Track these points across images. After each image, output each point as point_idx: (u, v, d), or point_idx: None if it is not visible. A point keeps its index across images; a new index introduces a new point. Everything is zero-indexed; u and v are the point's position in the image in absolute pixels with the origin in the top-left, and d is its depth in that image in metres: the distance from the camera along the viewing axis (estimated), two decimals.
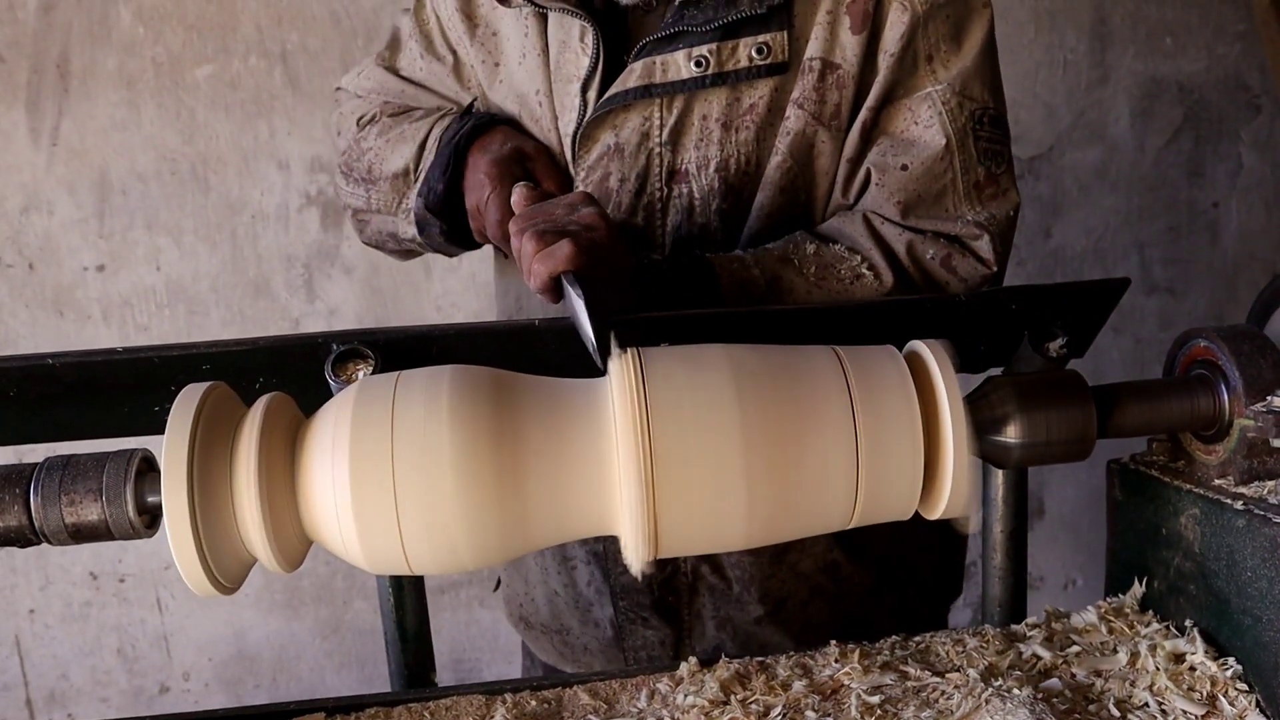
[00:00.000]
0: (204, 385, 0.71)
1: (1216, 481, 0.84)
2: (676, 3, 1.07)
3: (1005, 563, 0.98)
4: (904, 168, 1.06)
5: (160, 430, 0.68)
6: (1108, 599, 0.94)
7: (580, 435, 0.70)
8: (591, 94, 1.09)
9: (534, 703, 0.85)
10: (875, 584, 1.23)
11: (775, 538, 0.72)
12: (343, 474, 0.68)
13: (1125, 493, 0.94)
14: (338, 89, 1.33)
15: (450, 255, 1.24)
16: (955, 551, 1.36)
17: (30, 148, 2.08)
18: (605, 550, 1.21)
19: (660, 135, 1.08)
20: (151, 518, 0.73)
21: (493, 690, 0.86)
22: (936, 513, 0.74)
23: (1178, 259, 2.49)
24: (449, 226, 1.13)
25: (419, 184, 1.13)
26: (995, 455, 0.80)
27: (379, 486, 0.67)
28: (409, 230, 1.17)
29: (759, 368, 0.71)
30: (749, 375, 0.70)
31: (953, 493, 0.71)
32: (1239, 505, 0.80)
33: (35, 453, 0.80)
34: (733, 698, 0.82)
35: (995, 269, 1.08)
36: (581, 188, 1.12)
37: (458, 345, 0.87)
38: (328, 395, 0.78)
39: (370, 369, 0.83)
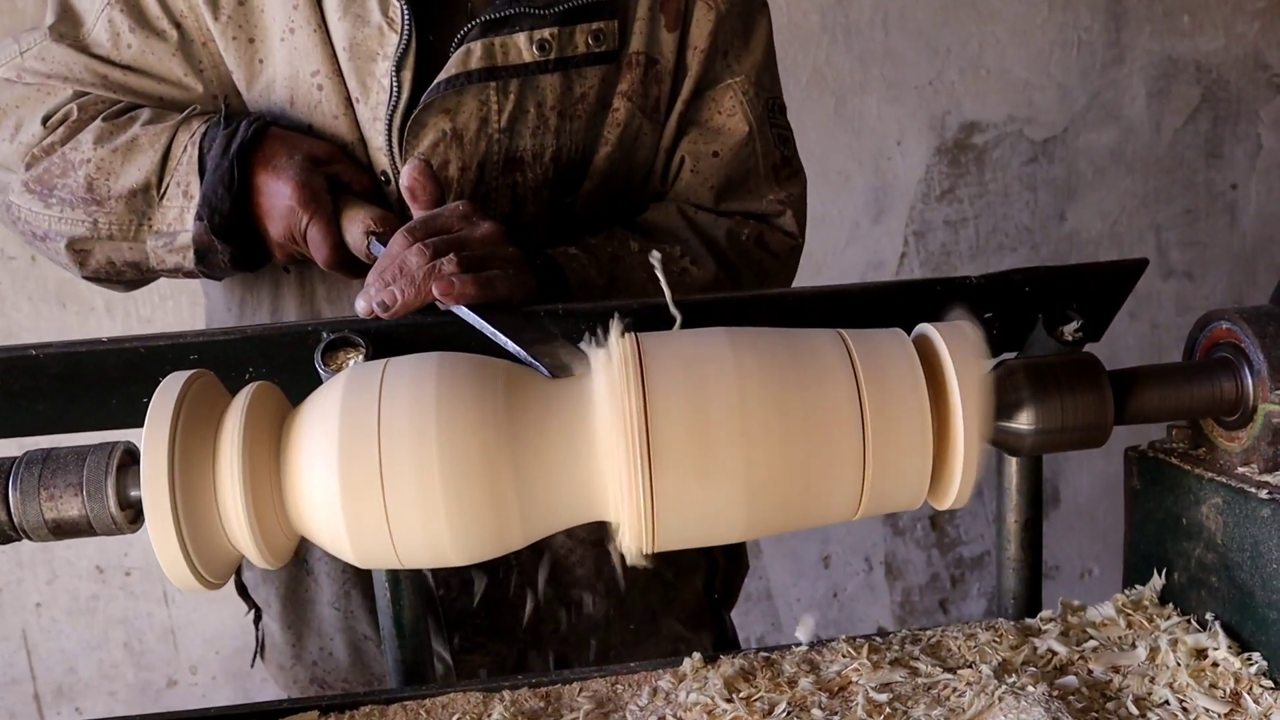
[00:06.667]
0: (186, 374, 0.69)
1: (1240, 469, 0.82)
2: None
3: (1020, 554, 0.95)
4: (715, 154, 1.12)
5: None
6: (1126, 591, 0.91)
7: (575, 424, 0.67)
8: (407, 74, 1.00)
9: (532, 700, 0.83)
10: (693, 559, 1.23)
11: (777, 529, 0.70)
12: (329, 466, 0.65)
13: (1144, 481, 0.91)
14: None
15: (218, 279, 1.09)
16: None
17: None
18: (436, 581, 1.13)
19: (499, 121, 1.03)
20: (135, 513, 0.71)
21: (490, 688, 0.84)
22: (946, 503, 0.71)
23: (1195, 242, 2.45)
24: (238, 249, 0.99)
25: (197, 204, 0.97)
26: (1008, 442, 0.77)
27: (366, 478, 0.65)
28: (170, 258, 1.01)
29: (763, 353, 0.68)
30: (752, 361, 0.67)
31: (962, 483, 0.68)
32: (1264, 494, 0.78)
33: (38, 445, 0.78)
34: (736, 695, 0.79)
35: (800, 239, 1.18)
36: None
37: (451, 332, 0.84)
38: (318, 384, 0.75)
39: (361, 357, 0.81)
